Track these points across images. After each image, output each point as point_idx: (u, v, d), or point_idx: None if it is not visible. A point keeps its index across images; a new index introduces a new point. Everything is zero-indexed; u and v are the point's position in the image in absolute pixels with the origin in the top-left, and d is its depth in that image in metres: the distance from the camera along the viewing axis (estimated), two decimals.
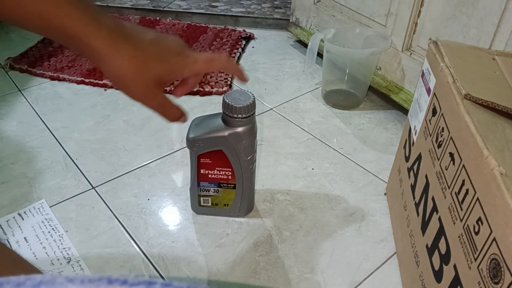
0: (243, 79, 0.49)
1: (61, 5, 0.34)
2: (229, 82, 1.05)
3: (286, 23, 1.30)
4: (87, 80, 1.04)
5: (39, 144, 0.85)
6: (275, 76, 1.10)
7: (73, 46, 0.37)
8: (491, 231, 0.37)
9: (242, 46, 1.22)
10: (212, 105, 0.98)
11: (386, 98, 1.00)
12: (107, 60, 0.38)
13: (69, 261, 0.63)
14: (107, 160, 0.81)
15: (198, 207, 0.70)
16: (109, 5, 1.39)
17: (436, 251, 0.49)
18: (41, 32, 0.36)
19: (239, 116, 0.58)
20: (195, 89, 1.02)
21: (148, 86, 0.41)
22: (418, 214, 0.57)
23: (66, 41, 0.36)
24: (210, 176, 0.65)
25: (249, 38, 1.28)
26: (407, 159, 0.65)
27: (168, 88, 0.93)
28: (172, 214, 0.71)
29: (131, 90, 0.41)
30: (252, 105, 0.59)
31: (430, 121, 0.56)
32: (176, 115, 0.46)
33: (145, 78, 0.40)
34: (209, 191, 0.67)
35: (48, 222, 0.68)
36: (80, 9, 0.35)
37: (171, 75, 0.43)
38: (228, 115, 0.59)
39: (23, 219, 0.69)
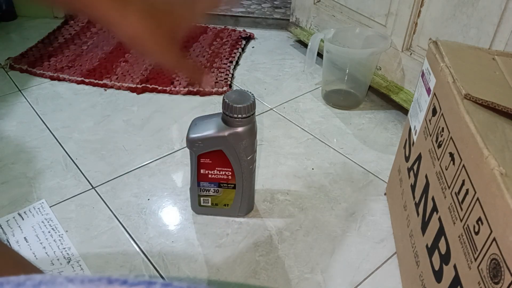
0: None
1: None
2: (229, 82, 1.05)
3: (286, 23, 1.30)
4: (87, 80, 1.04)
5: (39, 144, 0.85)
6: (275, 76, 1.10)
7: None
8: (491, 231, 0.37)
9: (242, 46, 1.22)
10: (212, 105, 0.98)
11: (386, 98, 1.00)
12: (123, 5, 0.37)
13: (69, 261, 0.63)
14: (107, 160, 0.81)
15: (198, 207, 0.70)
16: None
17: (436, 251, 0.49)
18: None
19: (239, 116, 0.58)
20: (195, 89, 1.02)
21: (165, 34, 0.39)
22: (418, 214, 0.57)
23: None
24: (210, 176, 0.65)
25: (249, 38, 1.28)
26: (407, 159, 0.65)
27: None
28: (172, 214, 0.71)
29: (148, 39, 0.39)
30: (252, 105, 0.59)
31: (430, 121, 0.56)
32: (196, 69, 0.45)
33: (162, 24, 0.39)
34: (209, 191, 0.67)
35: (48, 222, 0.68)
36: None
37: (180, 24, 0.42)
38: (228, 115, 0.59)
39: (23, 219, 0.69)
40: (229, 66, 1.11)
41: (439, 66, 0.54)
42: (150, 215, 0.70)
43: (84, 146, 0.84)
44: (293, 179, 0.79)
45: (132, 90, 1.01)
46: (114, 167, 0.80)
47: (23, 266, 0.42)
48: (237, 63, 1.15)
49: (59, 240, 0.66)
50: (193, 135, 0.61)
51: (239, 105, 0.57)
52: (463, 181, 0.43)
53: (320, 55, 1.01)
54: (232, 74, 1.10)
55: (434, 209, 0.51)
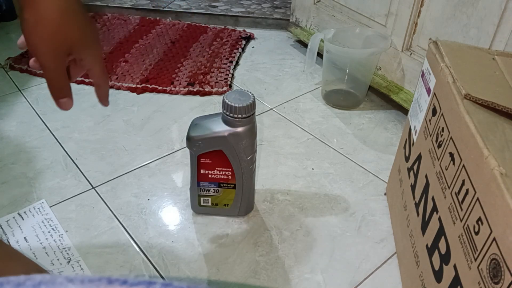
0: (105, 102, 0.46)
1: None
2: (229, 82, 1.05)
3: (286, 23, 1.30)
4: (87, 80, 1.04)
5: (39, 144, 0.85)
6: (275, 76, 1.10)
7: None
8: (491, 231, 0.37)
9: (242, 46, 1.22)
10: (212, 105, 0.98)
11: (386, 98, 1.00)
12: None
13: (69, 261, 0.63)
14: (107, 160, 0.81)
15: (198, 207, 0.70)
16: (109, 5, 1.39)
17: (436, 251, 0.49)
18: None
19: (239, 116, 0.58)
20: (195, 89, 1.02)
21: (62, 43, 0.37)
22: (418, 214, 0.57)
23: None
24: (210, 176, 0.65)
25: (249, 38, 1.28)
26: (407, 159, 0.65)
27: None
28: (172, 214, 0.71)
29: (43, 39, 0.37)
30: (252, 105, 0.59)
31: (430, 121, 0.56)
32: (63, 90, 0.41)
33: (66, 32, 0.37)
34: (209, 191, 0.67)
35: (48, 222, 0.68)
36: None
37: (80, 50, 0.40)
38: (228, 115, 0.59)
39: (23, 219, 0.69)
40: (229, 66, 1.11)
41: (439, 66, 0.54)
42: (150, 215, 0.70)
43: (84, 146, 0.84)
44: (293, 179, 0.79)
45: (132, 90, 1.01)
46: (114, 167, 0.80)
47: (16, 258, 0.42)
48: (237, 63, 1.15)
49: (59, 240, 0.66)
50: (193, 135, 0.61)
51: (239, 105, 0.57)
52: (463, 181, 0.43)
53: (320, 55, 1.01)
54: (232, 74, 1.10)
55: (434, 209, 0.51)
